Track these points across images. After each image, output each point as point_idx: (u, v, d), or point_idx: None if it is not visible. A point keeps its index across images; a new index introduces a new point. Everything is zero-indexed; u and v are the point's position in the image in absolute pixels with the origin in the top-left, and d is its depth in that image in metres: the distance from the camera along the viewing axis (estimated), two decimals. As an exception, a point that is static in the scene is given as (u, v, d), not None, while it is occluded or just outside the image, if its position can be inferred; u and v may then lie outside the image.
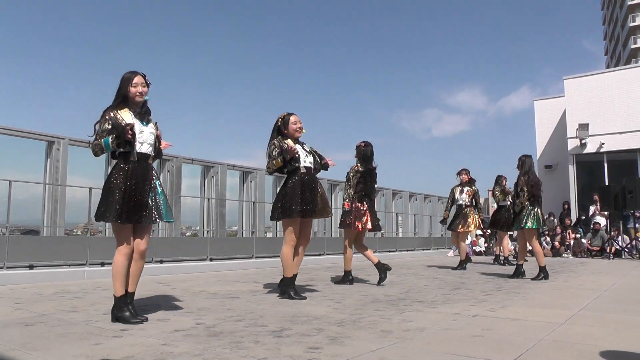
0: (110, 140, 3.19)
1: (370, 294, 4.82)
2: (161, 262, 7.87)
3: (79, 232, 10.06)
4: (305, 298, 4.37)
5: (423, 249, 15.07)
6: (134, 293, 3.38)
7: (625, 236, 13.03)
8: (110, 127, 3.24)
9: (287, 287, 4.45)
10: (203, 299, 4.43)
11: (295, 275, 4.56)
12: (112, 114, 3.28)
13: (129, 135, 3.17)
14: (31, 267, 6.55)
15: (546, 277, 6.31)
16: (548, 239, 13.84)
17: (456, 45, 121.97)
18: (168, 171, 10.47)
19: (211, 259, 8.82)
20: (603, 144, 15.37)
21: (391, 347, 2.56)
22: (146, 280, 6.25)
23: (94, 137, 3.28)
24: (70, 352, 2.42)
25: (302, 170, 4.48)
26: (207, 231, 11.07)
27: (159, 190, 3.41)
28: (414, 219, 17.20)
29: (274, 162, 4.43)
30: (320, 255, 11.17)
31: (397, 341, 2.68)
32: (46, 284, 5.67)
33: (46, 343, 2.60)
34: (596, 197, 13.77)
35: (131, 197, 3.24)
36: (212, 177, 11.40)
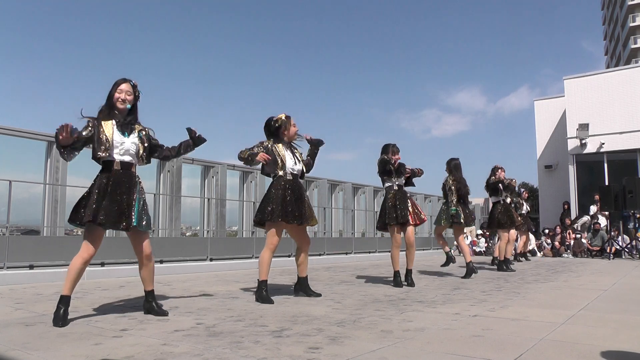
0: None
1: (370, 294, 4.82)
2: (161, 262, 7.87)
3: (79, 232, 10.06)
4: (272, 302, 4.15)
5: (423, 249, 15.08)
6: (153, 290, 3.59)
7: (625, 236, 13.03)
8: (86, 134, 3.30)
9: (260, 289, 4.31)
10: (203, 299, 4.43)
11: (306, 278, 4.66)
12: (95, 122, 3.35)
13: (62, 136, 3.15)
14: (31, 267, 6.55)
15: (474, 271, 6.77)
16: (548, 239, 13.85)
17: (455, 45, 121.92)
18: (168, 171, 10.47)
19: (211, 259, 8.82)
20: (603, 144, 15.38)
21: (391, 347, 2.55)
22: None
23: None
24: (70, 352, 2.42)
25: (289, 177, 4.43)
26: (207, 231, 11.07)
27: (137, 198, 3.42)
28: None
29: (247, 155, 4.28)
30: (320, 255, 11.16)
31: (397, 341, 2.68)
32: (46, 284, 5.67)
33: (46, 343, 2.60)
34: (597, 197, 13.78)
35: (106, 202, 3.29)
36: (212, 177, 11.41)
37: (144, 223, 3.42)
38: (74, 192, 8.78)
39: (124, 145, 3.39)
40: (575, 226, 14.15)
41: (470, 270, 6.70)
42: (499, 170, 8.36)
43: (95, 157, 3.37)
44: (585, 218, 14.27)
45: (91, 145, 3.36)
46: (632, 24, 51.84)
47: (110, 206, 3.29)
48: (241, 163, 4.47)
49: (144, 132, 3.55)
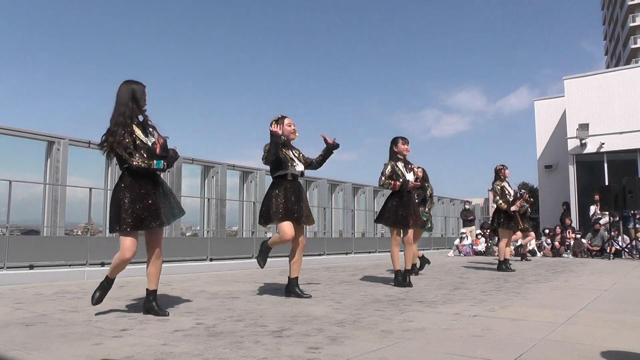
0: (162, 164, 3.41)
1: (370, 294, 4.82)
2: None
3: (79, 232, 10.06)
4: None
5: (423, 249, 15.06)
6: (156, 290, 3.56)
7: (625, 236, 13.02)
8: (129, 143, 3.34)
9: (291, 286, 4.57)
10: (203, 299, 4.43)
11: (296, 279, 4.60)
12: (129, 130, 3.38)
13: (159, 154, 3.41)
14: (31, 267, 6.55)
15: (427, 262, 7.47)
16: (548, 239, 13.84)
17: (455, 45, 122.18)
18: (168, 171, 10.45)
19: (211, 259, 8.82)
20: (603, 144, 15.37)
21: (391, 347, 2.55)
22: (146, 280, 6.24)
23: (122, 149, 3.32)
24: (70, 352, 2.42)
25: (289, 177, 4.46)
26: (207, 231, 11.07)
27: (167, 192, 3.56)
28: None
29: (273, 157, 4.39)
30: (320, 255, 11.16)
31: (397, 341, 2.68)
32: (46, 284, 5.67)
33: (46, 343, 2.60)
34: (597, 197, 13.76)
35: (140, 206, 3.35)
36: (212, 177, 11.41)
37: (176, 212, 3.56)
38: (74, 192, 8.79)
39: (149, 146, 3.45)
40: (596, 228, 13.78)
41: (423, 261, 7.41)
42: (502, 171, 8.18)
43: (132, 163, 3.37)
44: (607, 217, 13.91)
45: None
46: (632, 24, 51.84)
47: (151, 210, 3.37)
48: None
49: (152, 128, 3.60)
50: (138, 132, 3.41)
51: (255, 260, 4.87)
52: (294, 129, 4.57)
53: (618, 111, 15.31)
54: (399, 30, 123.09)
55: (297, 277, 4.62)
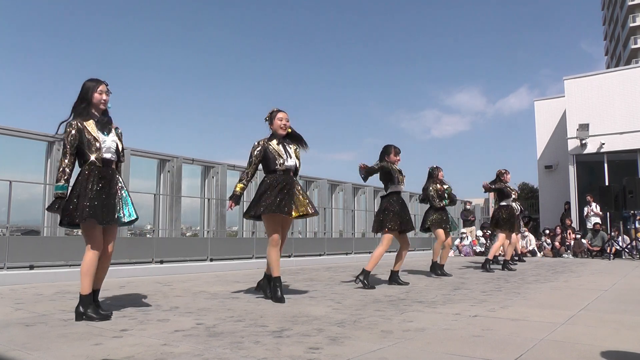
0: (57, 191, 3.33)
1: (370, 294, 4.82)
2: (161, 262, 7.87)
3: (79, 233, 10.05)
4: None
5: (423, 249, 15.07)
6: (99, 291, 3.57)
7: (625, 236, 13.02)
8: (76, 138, 3.37)
9: (269, 285, 4.42)
10: (203, 299, 4.43)
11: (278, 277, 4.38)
12: (79, 125, 3.40)
13: (55, 209, 3.36)
14: (31, 267, 6.55)
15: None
16: (549, 239, 13.85)
17: (455, 45, 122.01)
18: (168, 171, 10.47)
19: (211, 259, 8.82)
20: (603, 144, 15.38)
21: (391, 347, 2.55)
22: (146, 280, 6.25)
23: (64, 148, 3.39)
24: (70, 352, 2.42)
25: (280, 173, 4.42)
26: (208, 231, 11.07)
27: (125, 193, 3.54)
28: (414, 219, 17.14)
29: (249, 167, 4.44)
30: (320, 255, 11.15)
31: (398, 341, 2.68)
32: (46, 284, 5.67)
33: (46, 343, 2.61)
34: (589, 197, 13.83)
35: (98, 200, 3.35)
36: (212, 177, 11.41)
37: (135, 212, 3.56)
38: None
39: (105, 144, 3.46)
40: None
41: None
42: (504, 175, 8.32)
43: (84, 159, 3.40)
44: (598, 218, 13.94)
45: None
46: (632, 24, 51.85)
47: (106, 202, 3.38)
48: (242, 163, 4.53)
49: (119, 130, 3.65)
50: (90, 127, 3.42)
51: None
52: (284, 124, 4.49)
53: (618, 111, 15.32)
54: (399, 30, 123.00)
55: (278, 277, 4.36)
